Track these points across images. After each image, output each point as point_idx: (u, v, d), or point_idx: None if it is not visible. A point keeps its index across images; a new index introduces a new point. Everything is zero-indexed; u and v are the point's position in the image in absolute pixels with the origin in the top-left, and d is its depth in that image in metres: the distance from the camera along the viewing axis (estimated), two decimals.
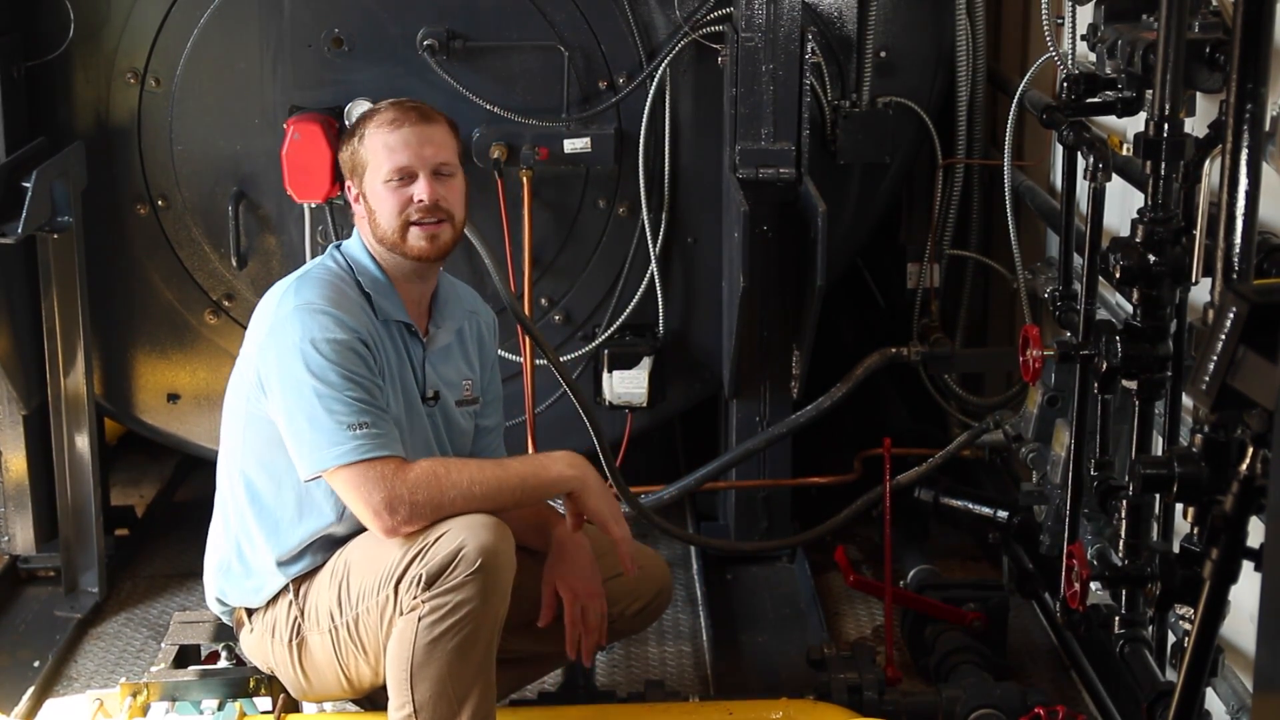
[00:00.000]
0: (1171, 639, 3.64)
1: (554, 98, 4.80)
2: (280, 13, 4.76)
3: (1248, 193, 2.90)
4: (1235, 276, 2.93)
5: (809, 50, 4.62)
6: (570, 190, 4.91)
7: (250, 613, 3.69)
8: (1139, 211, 3.36)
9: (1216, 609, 2.43)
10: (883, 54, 4.91)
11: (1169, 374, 3.45)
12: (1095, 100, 3.74)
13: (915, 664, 4.32)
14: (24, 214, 4.30)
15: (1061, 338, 3.78)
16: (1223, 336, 2.25)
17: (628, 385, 4.97)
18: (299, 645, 3.59)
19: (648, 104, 4.82)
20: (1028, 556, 4.64)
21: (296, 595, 3.58)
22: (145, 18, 4.77)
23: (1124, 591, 3.55)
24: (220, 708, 3.78)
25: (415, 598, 3.32)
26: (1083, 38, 3.86)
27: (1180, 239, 3.30)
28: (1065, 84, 3.79)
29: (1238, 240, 2.92)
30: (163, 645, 4.03)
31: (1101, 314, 3.84)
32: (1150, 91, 3.32)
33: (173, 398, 5.04)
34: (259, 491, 3.58)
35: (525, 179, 4.75)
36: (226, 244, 4.86)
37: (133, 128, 4.84)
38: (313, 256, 4.47)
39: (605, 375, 4.97)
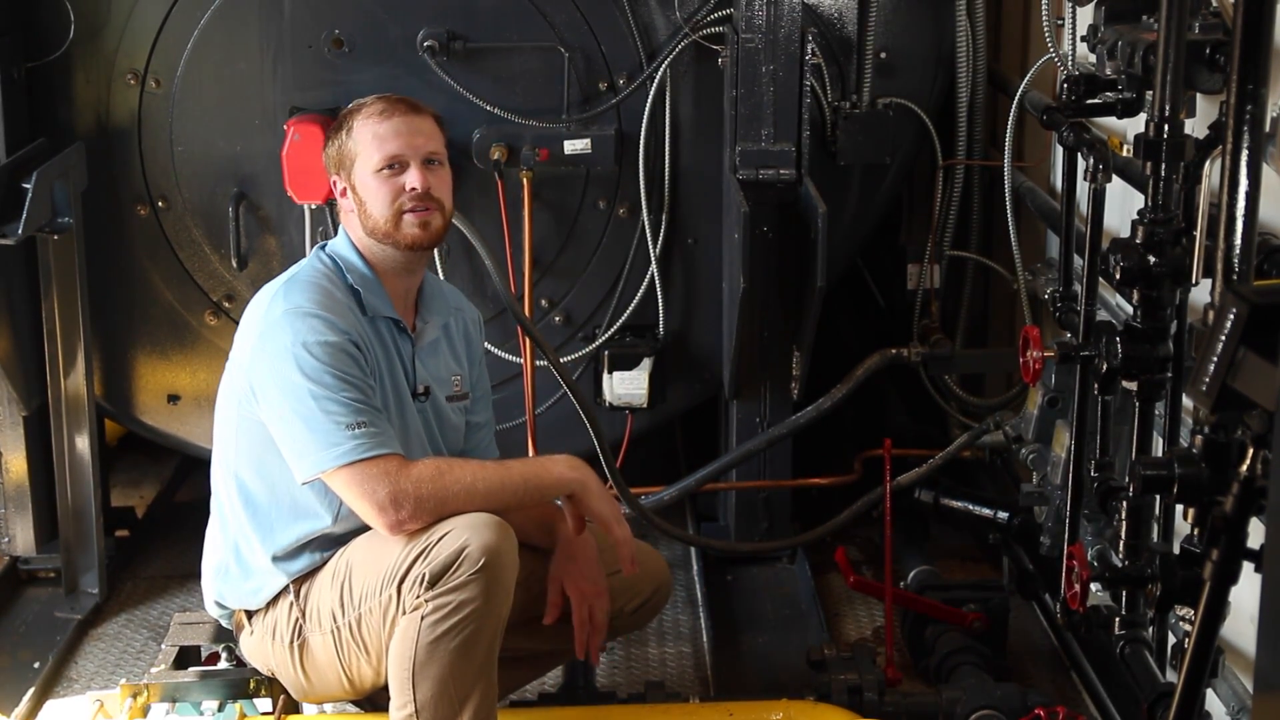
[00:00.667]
0: (1172, 640, 3.64)
1: (554, 99, 4.80)
2: (280, 14, 4.76)
3: (1248, 194, 2.90)
4: (1235, 277, 2.93)
5: (809, 51, 4.62)
6: (570, 191, 4.91)
7: (250, 615, 3.69)
8: (1139, 212, 3.36)
9: (1217, 610, 2.43)
10: (883, 55, 4.91)
11: (1169, 375, 3.45)
12: (1095, 101, 3.74)
13: (915, 665, 4.32)
14: (24, 215, 4.31)
15: (1062, 339, 3.78)
16: (1223, 337, 2.25)
17: (628, 386, 4.97)
18: (300, 646, 3.59)
19: (648, 105, 4.82)
20: (1028, 557, 4.64)
21: (297, 596, 3.58)
22: (145, 19, 4.77)
23: (1124, 592, 3.55)
24: (220, 709, 3.78)
25: (418, 597, 3.32)
26: (1083, 39, 3.86)
27: (1180, 240, 3.30)
28: (1065, 85, 3.79)
29: (1238, 241, 2.92)
30: (163, 646, 4.03)
31: (1102, 315, 3.84)
32: (1150, 92, 3.32)
33: (173, 399, 5.04)
34: (253, 494, 3.58)
35: (525, 180, 4.75)
36: (227, 245, 4.86)
37: (133, 128, 4.84)
38: None
39: (605, 376, 4.97)
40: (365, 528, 3.48)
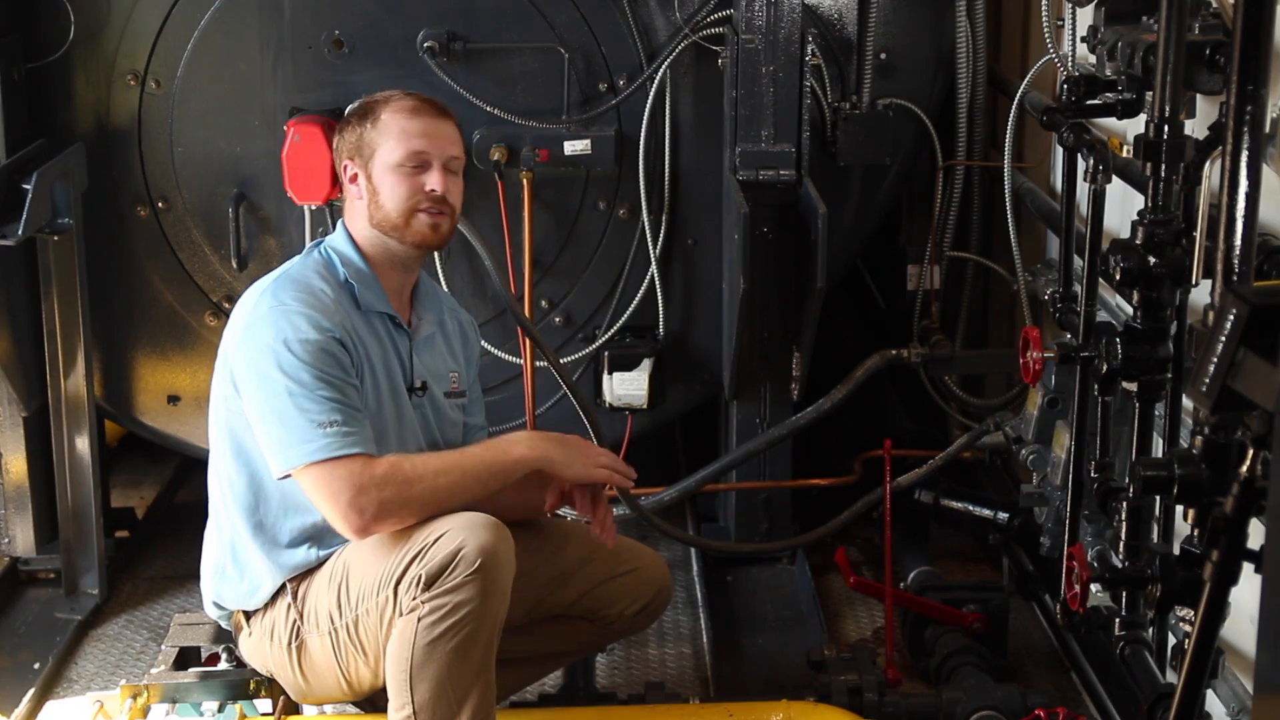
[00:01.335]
0: (1172, 641, 3.64)
1: (554, 100, 4.80)
2: (280, 14, 4.76)
3: (1248, 194, 2.89)
4: (1235, 278, 2.93)
5: (809, 52, 4.62)
6: (570, 192, 4.91)
7: (248, 616, 3.69)
8: (1139, 213, 3.36)
9: (1217, 611, 2.43)
10: (883, 56, 4.91)
11: (1169, 376, 3.45)
12: (1095, 102, 3.74)
13: (915, 666, 4.32)
14: (24, 216, 4.31)
15: (1062, 339, 3.78)
16: (1223, 338, 2.25)
17: (628, 387, 4.97)
18: (298, 648, 3.59)
19: (648, 106, 4.82)
20: (1028, 558, 4.64)
21: (295, 598, 3.58)
22: (146, 20, 4.77)
23: (1124, 593, 3.55)
24: (220, 710, 3.78)
25: (415, 598, 3.32)
26: (1083, 39, 3.86)
27: (1180, 241, 3.30)
28: (1065, 86, 3.79)
29: (1238, 242, 2.92)
30: (163, 647, 4.03)
31: (1101, 316, 3.84)
32: (1150, 93, 3.32)
33: (173, 399, 5.04)
34: (243, 491, 3.58)
35: (525, 181, 4.75)
36: (227, 246, 4.86)
37: (133, 129, 4.84)
38: None
39: (605, 377, 4.97)
40: None
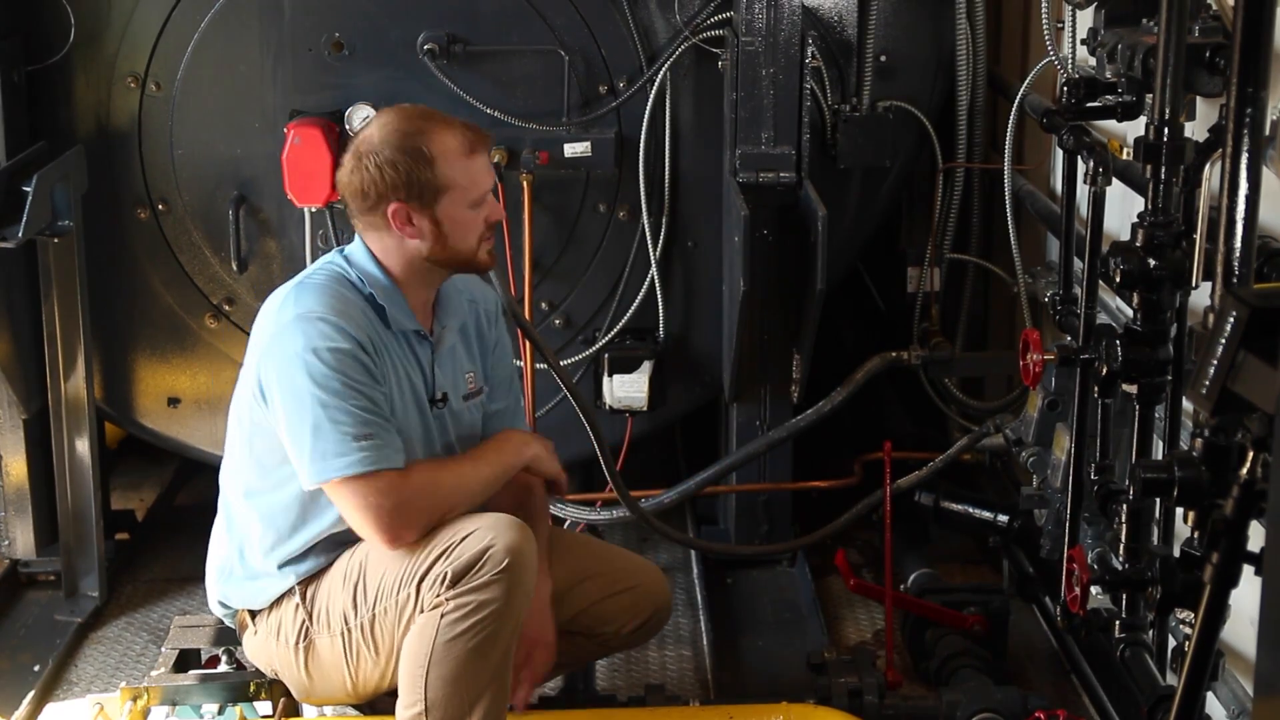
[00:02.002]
0: (1172, 643, 3.64)
1: (554, 102, 4.80)
2: (281, 17, 4.76)
3: (1248, 197, 2.89)
4: (1235, 280, 2.93)
5: (809, 54, 4.62)
6: (570, 194, 4.91)
7: (254, 615, 3.69)
8: (1139, 215, 3.36)
9: (1217, 613, 2.43)
10: (883, 58, 4.91)
11: (1169, 378, 3.45)
12: (1095, 104, 3.73)
13: (916, 668, 4.32)
14: (24, 218, 4.30)
15: (1062, 342, 3.78)
16: (1223, 340, 2.25)
17: (628, 389, 4.97)
18: (306, 648, 3.59)
19: (648, 108, 4.82)
20: (1028, 560, 4.64)
21: (303, 598, 3.58)
22: (146, 22, 4.77)
23: (1124, 595, 3.55)
24: (220, 712, 3.79)
25: (439, 595, 3.33)
26: (1083, 42, 3.86)
27: (1180, 243, 3.30)
28: (1065, 88, 3.79)
29: (1238, 244, 2.92)
30: (163, 649, 4.03)
31: (1102, 318, 3.84)
32: (1150, 96, 3.33)
33: (173, 402, 5.04)
34: (260, 496, 3.58)
35: (525, 183, 4.75)
36: (227, 248, 4.86)
37: (133, 132, 4.84)
38: (313, 260, 4.46)
39: (605, 379, 4.97)
40: None
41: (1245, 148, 2.87)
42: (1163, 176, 3.28)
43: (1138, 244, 3.32)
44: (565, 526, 4.81)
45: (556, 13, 4.77)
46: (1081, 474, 3.77)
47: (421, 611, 3.37)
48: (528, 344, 4.77)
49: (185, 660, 3.97)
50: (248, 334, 3.65)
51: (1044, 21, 4.13)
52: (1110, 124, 3.93)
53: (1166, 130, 3.24)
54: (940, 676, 4.12)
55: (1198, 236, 3.26)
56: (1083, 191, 3.79)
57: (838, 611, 4.80)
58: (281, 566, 3.59)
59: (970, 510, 4.76)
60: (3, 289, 4.66)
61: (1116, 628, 3.59)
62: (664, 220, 4.93)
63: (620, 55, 4.82)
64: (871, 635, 4.66)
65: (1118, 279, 3.35)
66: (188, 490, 5.60)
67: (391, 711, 3.50)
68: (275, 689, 3.76)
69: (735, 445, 4.93)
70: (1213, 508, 2.62)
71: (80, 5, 4.74)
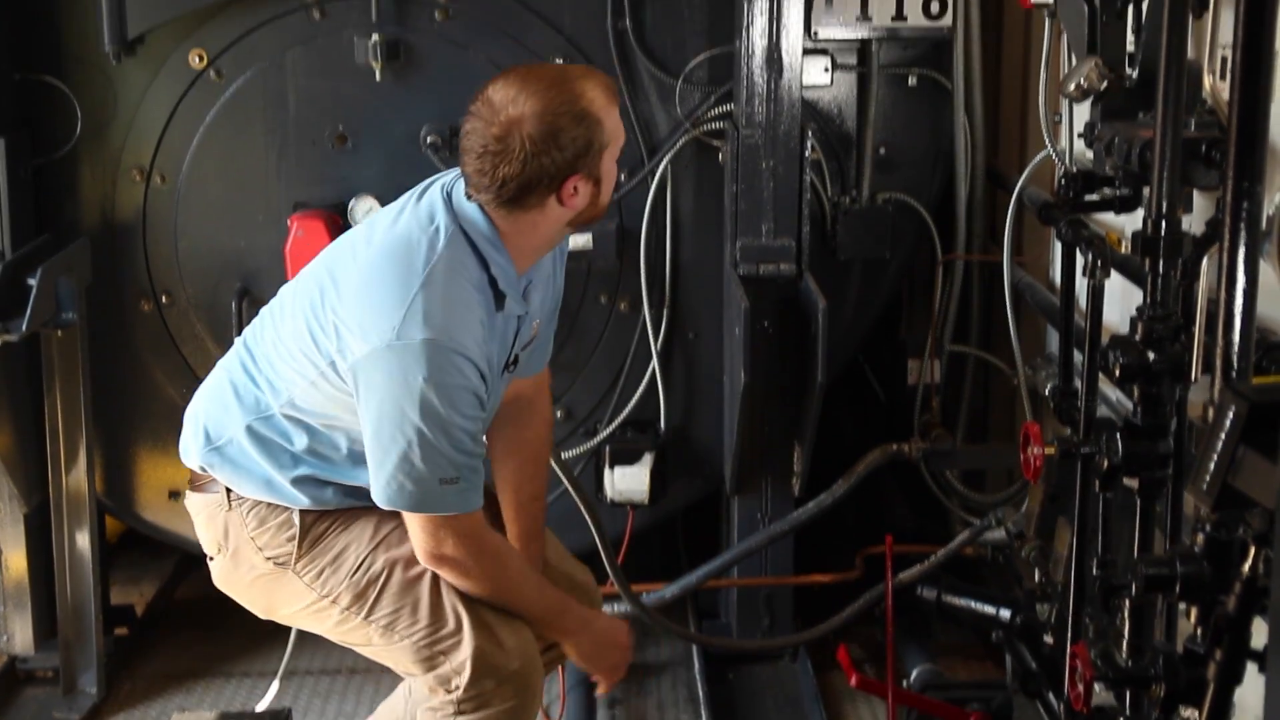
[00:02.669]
0: None
1: None
2: (285, 110, 4.80)
3: (1245, 291, 2.89)
4: (1234, 375, 2.93)
5: (809, 147, 4.65)
6: (572, 286, 4.90)
7: (229, 496, 3.44)
8: (1138, 309, 3.36)
9: (1221, 711, 2.41)
10: (882, 150, 4.94)
11: (1170, 472, 3.44)
12: (1093, 197, 3.75)
13: None
14: (28, 311, 4.32)
15: (1062, 435, 3.77)
16: (1223, 436, 2.25)
17: (629, 482, 4.95)
18: (275, 570, 3.42)
19: (649, 200, 4.85)
20: (1031, 656, 4.59)
21: (302, 530, 3.39)
22: (152, 115, 4.81)
23: (1128, 693, 3.51)
24: None
25: (452, 689, 3.32)
26: (1080, 135, 3.88)
27: (1179, 336, 3.30)
28: (1063, 181, 3.80)
29: (1236, 338, 2.92)
30: None
31: (1102, 410, 3.84)
32: (1147, 189, 3.34)
33: (174, 495, 5.02)
34: (308, 415, 3.35)
35: None
36: (230, 340, 4.84)
37: (138, 224, 4.87)
38: None
39: (607, 471, 4.96)
40: None
41: (1242, 242, 2.87)
42: (1161, 270, 3.28)
43: (1137, 337, 3.32)
44: None
45: None
46: (1083, 569, 3.75)
47: (431, 691, 3.34)
48: None
49: None
50: None
51: (1041, 114, 4.16)
52: (1109, 215, 3.94)
53: (1164, 224, 3.25)
54: None
55: (1196, 329, 3.26)
56: (1082, 283, 3.79)
57: (840, 707, 4.76)
58: (297, 483, 3.39)
59: (973, 605, 4.71)
60: (5, 382, 4.67)
61: None
62: (665, 312, 4.94)
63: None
64: None
65: (1117, 373, 3.34)
66: (188, 584, 5.57)
67: None
68: None
69: (737, 538, 4.91)
70: (1215, 604, 2.60)
71: (87, 99, 4.78)
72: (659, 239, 4.90)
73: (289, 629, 4.36)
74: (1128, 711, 3.53)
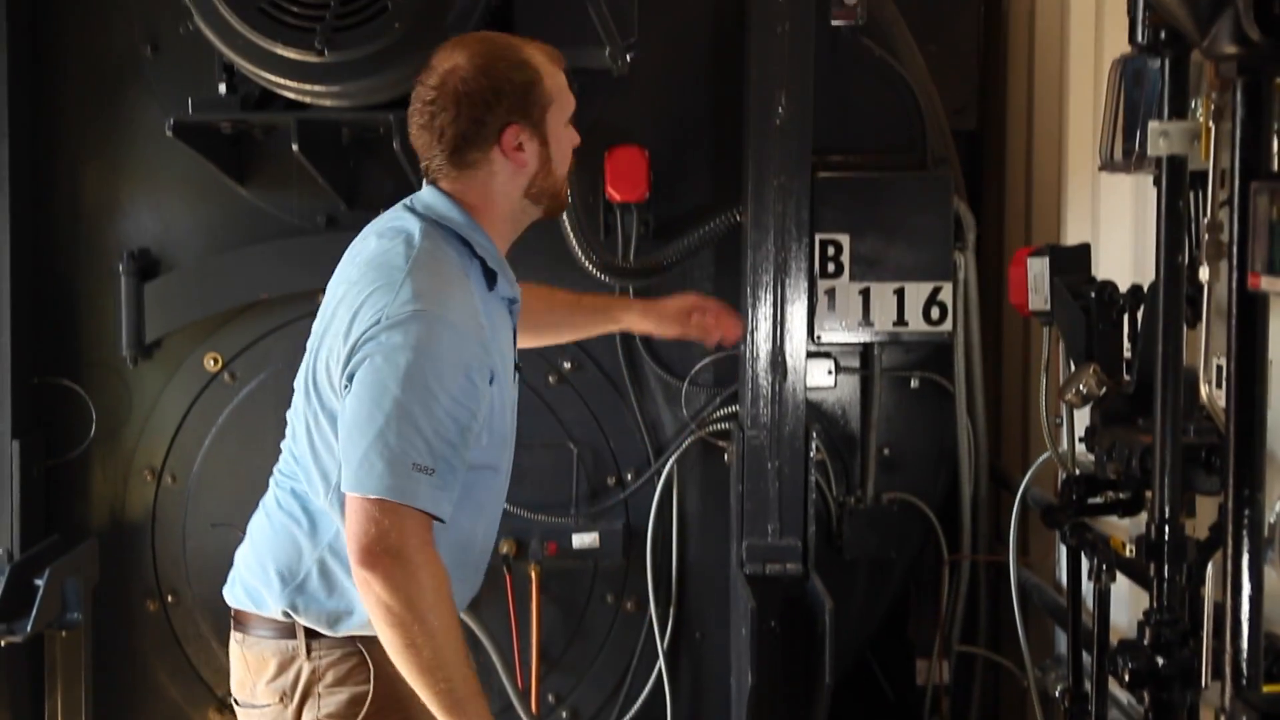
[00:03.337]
0: None
1: (563, 493, 4.87)
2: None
3: (1251, 598, 2.90)
4: (1244, 683, 2.91)
5: (814, 447, 4.70)
6: (578, 585, 4.93)
7: (311, 642, 3.19)
8: (1145, 613, 3.35)
9: None
10: (886, 451, 4.99)
11: None
12: (1097, 501, 3.78)
13: None
14: (34, 612, 4.32)
15: None
16: None
17: None
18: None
19: (655, 499, 4.88)
20: None
21: (370, 670, 3.09)
22: (165, 416, 4.89)
23: None
24: None
25: None
26: (1081, 439, 3.93)
27: (1188, 641, 3.29)
28: (1065, 485, 3.84)
29: (1244, 645, 2.91)
30: None
31: (1114, 713, 3.80)
32: (1149, 493, 3.37)
33: None
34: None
35: (533, 573, 4.78)
36: None
37: (147, 523, 4.90)
38: None
39: None
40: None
41: (1245, 548, 2.89)
42: (1166, 575, 3.29)
43: (1145, 642, 3.31)
44: None
45: (566, 407, 4.88)
46: None
47: None
48: None
49: None
50: None
51: (1043, 418, 4.22)
52: (1113, 517, 3.96)
53: (1167, 529, 3.27)
54: None
55: (1205, 635, 3.25)
56: (1088, 585, 3.79)
57: None
58: None
59: None
60: (5, 682, 4.62)
61: None
62: (671, 611, 4.93)
63: (628, 448, 4.91)
64: None
65: (1126, 678, 3.32)
66: None
67: None
68: None
69: None
70: None
71: (102, 401, 4.86)
72: (665, 538, 4.92)
73: None
74: None
